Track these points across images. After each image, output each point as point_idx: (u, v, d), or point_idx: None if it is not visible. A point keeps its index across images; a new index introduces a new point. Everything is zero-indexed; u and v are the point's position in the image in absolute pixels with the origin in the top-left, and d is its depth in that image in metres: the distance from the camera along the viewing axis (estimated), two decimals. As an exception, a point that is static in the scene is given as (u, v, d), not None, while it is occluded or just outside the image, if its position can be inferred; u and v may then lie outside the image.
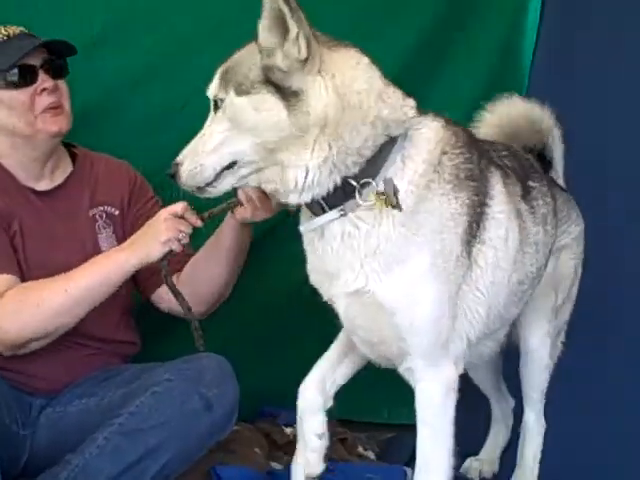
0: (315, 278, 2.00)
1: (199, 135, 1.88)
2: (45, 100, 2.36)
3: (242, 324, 2.88)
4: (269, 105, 1.77)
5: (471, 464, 2.87)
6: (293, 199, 1.85)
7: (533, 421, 2.59)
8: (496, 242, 2.02)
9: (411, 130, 1.90)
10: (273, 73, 1.76)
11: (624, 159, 2.91)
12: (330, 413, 2.38)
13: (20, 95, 2.34)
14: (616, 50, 3.03)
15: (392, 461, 2.66)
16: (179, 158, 1.87)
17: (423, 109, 1.98)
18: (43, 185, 2.48)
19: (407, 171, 1.86)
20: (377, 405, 2.82)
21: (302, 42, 1.73)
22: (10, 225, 2.36)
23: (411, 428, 2.27)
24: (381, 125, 1.83)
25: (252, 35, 1.80)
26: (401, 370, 2.07)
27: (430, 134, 1.92)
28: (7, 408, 2.24)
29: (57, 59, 2.40)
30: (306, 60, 1.75)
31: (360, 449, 2.83)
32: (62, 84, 2.43)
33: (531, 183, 2.23)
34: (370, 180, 1.82)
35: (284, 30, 1.72)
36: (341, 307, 1.98)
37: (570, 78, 3.11)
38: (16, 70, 2.32)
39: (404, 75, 2.64)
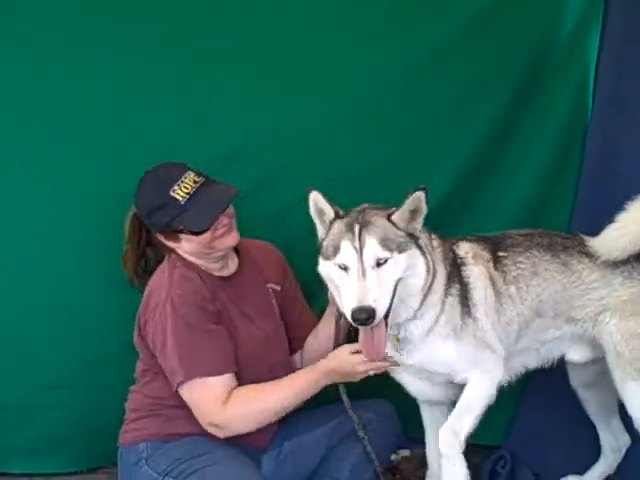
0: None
1: (359, 285, 2.51)
2: (222, 230, 2.86)
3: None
4: (417, 255, 2.65)
5: (567, 478, 3.33)
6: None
7: None
8: (480, 301, 2.81)
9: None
10: (413, 234, 2.65)
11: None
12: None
13: (204, 236, 2.83)
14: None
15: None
16: (370, 304, 2.47)
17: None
18: (225, 272, 2.99)
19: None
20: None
21: (422, 222, 2.67)
22: (220, 314, 2.88)
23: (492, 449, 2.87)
24: None
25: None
26: (455, 381, 2.84)
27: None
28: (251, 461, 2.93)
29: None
30: (421, 230, 2.69)
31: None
32: (230, 207, 2.87)
33: (501, 253, 2.89)
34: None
35: (414, 216, 2.64)
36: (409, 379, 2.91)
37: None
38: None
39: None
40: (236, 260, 3.07)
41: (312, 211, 2.72)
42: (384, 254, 2.56)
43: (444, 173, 3.47)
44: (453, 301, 2.78)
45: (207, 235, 2.83)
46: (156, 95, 3.27)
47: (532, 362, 3.01)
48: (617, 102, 3.38)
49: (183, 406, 2.91)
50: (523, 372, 3.02)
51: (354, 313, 2.48)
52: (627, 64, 3.34)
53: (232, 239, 2.92)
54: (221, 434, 2.83)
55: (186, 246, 2.90)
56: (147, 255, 3.03)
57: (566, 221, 3.49)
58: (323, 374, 2.82)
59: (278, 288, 3.17)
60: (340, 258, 2.59)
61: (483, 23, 3.39)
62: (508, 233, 2.99)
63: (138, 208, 2.91)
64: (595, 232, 2.94)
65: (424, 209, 2.64)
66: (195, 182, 2.83)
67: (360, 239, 2.56)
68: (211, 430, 2.82)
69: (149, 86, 3.26)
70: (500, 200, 3.54)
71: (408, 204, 2.62)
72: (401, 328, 2.75)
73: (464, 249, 2.87)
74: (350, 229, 2.60)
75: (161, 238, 2.92)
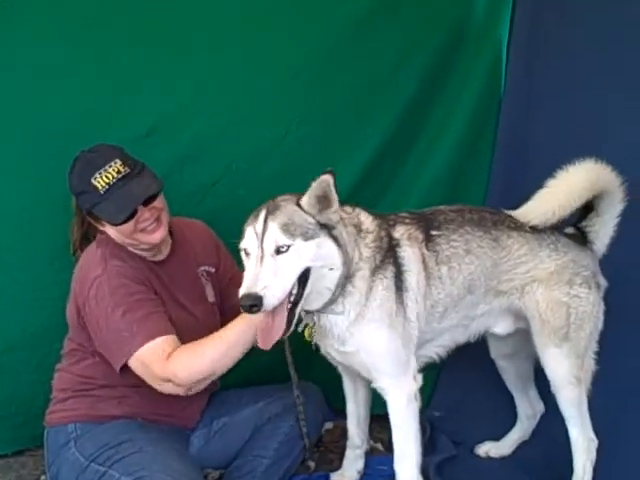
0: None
1: (254, 272, 2.46)
2: (144, 224, 2.83)
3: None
4: (327, 244, 2.57)
5: (484, 445, 3.43)
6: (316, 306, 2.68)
7: (575, 436, 2.98)
8: (412, 285, 2.77)
9: None
10: (326, 224, 2.56)
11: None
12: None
13: (125, 227, 2.81)
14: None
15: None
16: (257, 291, 2.41)
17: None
18: (159, 257, 2.99)
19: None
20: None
21: (338, 211, 2.58)
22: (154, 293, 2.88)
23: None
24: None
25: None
26: (374, 386, 2.83)
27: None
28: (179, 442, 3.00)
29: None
30: (337, 222, 2.59)
31: (370, 442, 3.36)
32: (157, 201, 2.85)
33: (434, 232, 2.86)
34: None
35: (325, 203, 2.54)
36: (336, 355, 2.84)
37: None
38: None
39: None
40: (169, 242, 3.06)
41: None
42: (285, 241, 2.50)
43: (364, 147, 3.51)
44: (388, 284, 2.74)
45: (129, 226, 2.82)
46: (76, 70, 3.20)
47: (461, 338, 3.07)
48: (530, 75, 3.50)
49: (114, 386, 2.92)
50: (454, 347, 3.08)
51: (241, 299, 2.43)
52: (539, 38, 3.46)
53: (156, 237, 2.88)
54: (174, 390, 2.77)
55: (110, 232, 2.90)
56: (90, 234, 3.02)
57: (482, 192, 3.59)
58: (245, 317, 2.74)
59: (212, 270, 3.17)
60: (243, 243, 2.57)
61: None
62: (440, 209, 2.98)
63: (70, 188, 2.90)
64: (510, 202, 3.03)
65: (334, 196, 2.55)
66: (118, 172, 2.80)
67: (264, 224, 2.52)
68: (166, 388, 2.77)
69: (71, 61, 3.19)
70: (419, 172, 3.60)
71: (314, 188, 2.54)
72: (324, 319, 2.73)
73: (400, 231, 2.81)
74: (257, 214, 2.57)
75: (90, 219, 2.93)
